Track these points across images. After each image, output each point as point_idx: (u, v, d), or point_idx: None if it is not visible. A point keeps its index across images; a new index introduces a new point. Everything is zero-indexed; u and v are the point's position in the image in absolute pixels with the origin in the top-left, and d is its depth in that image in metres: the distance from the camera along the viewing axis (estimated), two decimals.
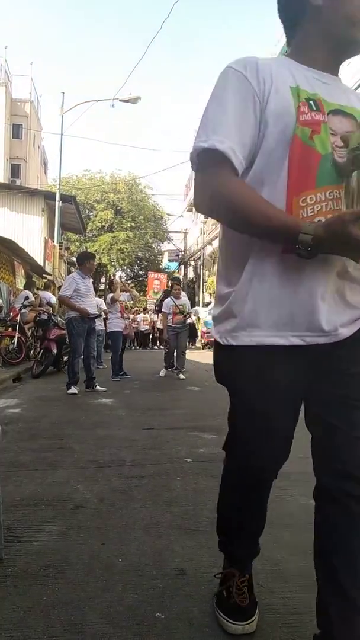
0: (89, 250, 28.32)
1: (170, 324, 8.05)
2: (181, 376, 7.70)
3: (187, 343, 9.94)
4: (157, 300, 14.01)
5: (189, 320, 8.69)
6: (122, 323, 7.83)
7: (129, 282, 31.93)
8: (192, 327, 9.30)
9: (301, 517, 2.12)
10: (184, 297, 8.56)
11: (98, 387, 6.14)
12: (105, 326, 8.55)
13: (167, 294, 11.95)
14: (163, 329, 8.39)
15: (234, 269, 1.21)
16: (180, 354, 8.08)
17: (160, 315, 20.73)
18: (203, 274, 27.80)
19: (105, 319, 8.53)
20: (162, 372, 8.17)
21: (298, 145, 1.09)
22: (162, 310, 8.18)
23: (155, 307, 16.86)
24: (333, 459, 1.17)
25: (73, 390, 5.83)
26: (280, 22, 1.29)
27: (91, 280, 6.45)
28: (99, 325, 10.06)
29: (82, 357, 6.17)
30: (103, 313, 8.50)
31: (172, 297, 8.19)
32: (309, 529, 2.00)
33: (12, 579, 1.58)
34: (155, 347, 19.54)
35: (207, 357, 10.95)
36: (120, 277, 10.54)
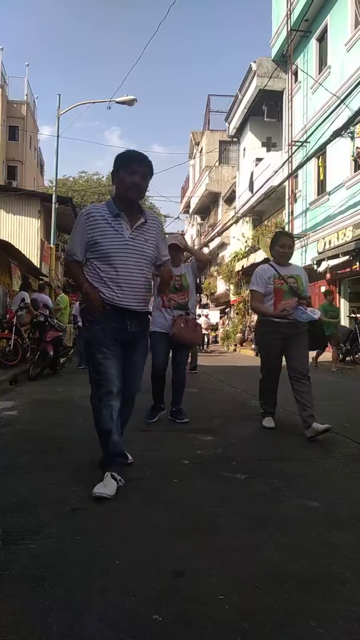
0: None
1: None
2: (319, 427, 3.47)
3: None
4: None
5: (311, 313, 3.79)
6: (164, 318, 4.10)
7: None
8: (318, 327, 3.96)
9: (298, 518, 2.13)
10: (296, 264, 4.18)
11: (107, 481, 2.40)
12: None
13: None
14: (264, 312, 3.91)
15: None
16: (298, 378, 3.69)
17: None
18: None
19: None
20: (267, 421, 3.99)
21: None
22: (252, 288, 3.96)
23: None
24: None
25: (101, 491, 2.30)
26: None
27: (147, 220, 2.64)
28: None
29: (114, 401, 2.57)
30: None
31: (272, 263, 4.00)
32: (305, 529, 2.01)
33: (9, 582, 1.58)
34: None
35: (203, 358, 10.94)
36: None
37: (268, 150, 19.12)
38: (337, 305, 12.04)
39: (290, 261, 4.00)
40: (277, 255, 3.94)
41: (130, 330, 2.59)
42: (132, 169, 2.51)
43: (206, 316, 19.72)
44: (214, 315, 23.93)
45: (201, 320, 13.38)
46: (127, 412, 2.80)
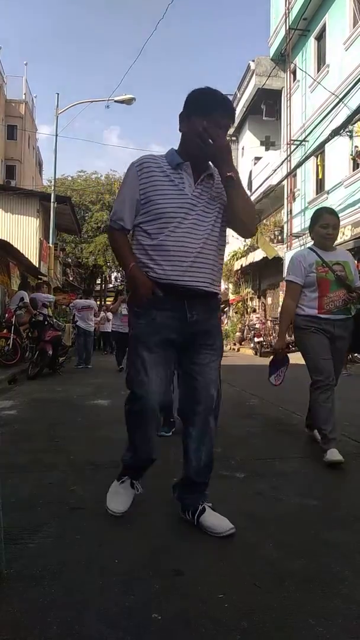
0: (84, 251, 28.31)
1: (311, 310, 3.11)
2: (334, 457, 2.80)
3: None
4: None
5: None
6: None
7: (124, 282, 31.85)
8: None
9: (297, 516, 2.13)
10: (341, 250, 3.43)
11: (123, 486, 2.18)
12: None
13: None
14: (281, 325, 3.37)
15: None
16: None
17: None
18: None
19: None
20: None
21: None
22: (288, 278, 3.25)
23: None
24: None
25: (116, 507, 2.11)
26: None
27: (214, 173, 2.02)
28: (89, 324, 10.19)
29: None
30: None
31: (312, 247, 3.27)
32: (303, 528, 2.01)
33: (8, 581, 1.58)
34: None
35: None
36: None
37: (267, 149, 19.15)
38: None
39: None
40: (319, 237, 3.20)
41: (192, 319, 1.92)
42: (213, 120, 1.87)
43: None
44: None
45: None
46: (208, 447, 2.02)
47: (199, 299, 1.94)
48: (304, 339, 3.14)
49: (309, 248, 3.28)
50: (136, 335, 1.97)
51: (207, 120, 1.85)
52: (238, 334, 19.62)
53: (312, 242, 3.30)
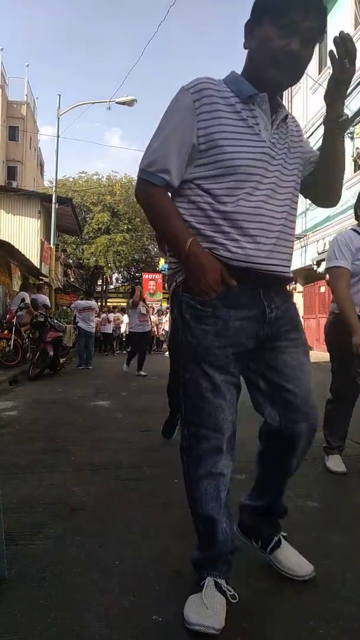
0: (85, 253, 28.32)
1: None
2: (336, 467, 2.76)
3: None
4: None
5: None
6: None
7: (125, 283, 31.89)
8: None
9: (297, 518, 2.13)
10: None
11: (208, 596, 1.39)
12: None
13: None
14: (352, 318, 2.50)
15: None
16: None
17: (162, 316, 17.44)
18: None
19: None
20: (334, 462, 2.78)
21: None
22: (335, 263, 2.62)
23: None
24: None
25: (204, 623, 1.31)
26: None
27: (288, 115, 1.50)
28: (89, 326, 10.19)
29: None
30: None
31: (358, 228, 2.73)
32: (305, 530, 2.01)
33: (9, 582, 1.58)
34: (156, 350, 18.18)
35: None
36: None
37: None
38: None
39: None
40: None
41: (271, 315, 1.39)
42: (290, 24, 1.26)
43: None
44: None
45: None
46: (301, 456, 1.53)
47: (275, 286, 1.42)
48: (340, 344, 2.68)
49: (353, 229, 2.74)
50: (199, 346, 1.35)
51: (276, 24, 1.27)
52: None
53: (357, 223, 2.81)
